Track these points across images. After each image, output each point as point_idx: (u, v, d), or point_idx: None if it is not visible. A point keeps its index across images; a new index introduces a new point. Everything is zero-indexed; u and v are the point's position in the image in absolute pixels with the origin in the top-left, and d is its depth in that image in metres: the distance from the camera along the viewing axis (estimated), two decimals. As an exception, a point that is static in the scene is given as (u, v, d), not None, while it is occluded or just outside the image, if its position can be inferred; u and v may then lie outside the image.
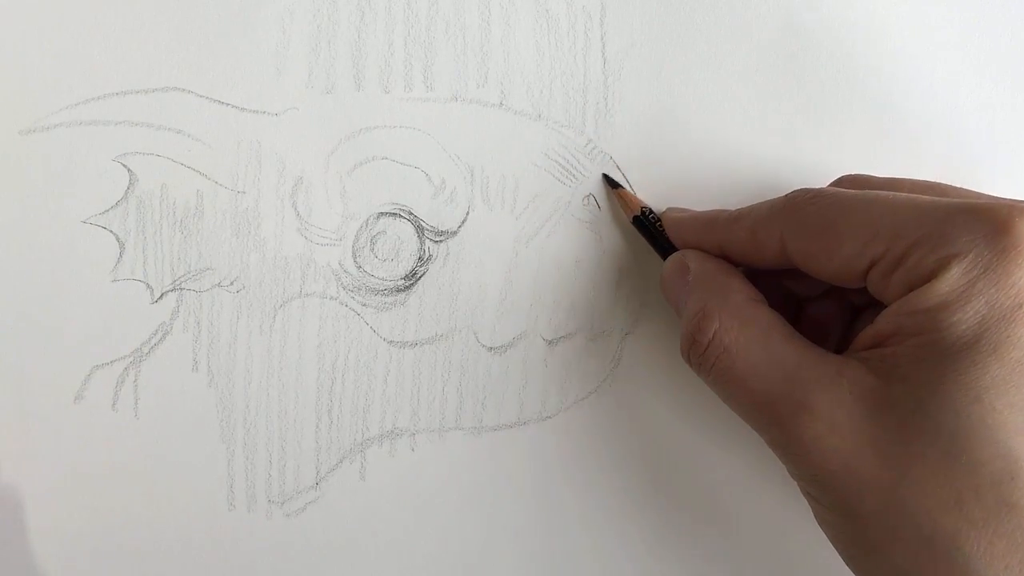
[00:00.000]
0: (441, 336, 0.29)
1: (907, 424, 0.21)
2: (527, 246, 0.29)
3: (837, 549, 0.23)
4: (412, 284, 0.29)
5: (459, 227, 0.29)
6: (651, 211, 0.29)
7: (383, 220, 0.29)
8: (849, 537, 0.23)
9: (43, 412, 0.28)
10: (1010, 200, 0.22)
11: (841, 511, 0.22)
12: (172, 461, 0.28)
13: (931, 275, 0.21)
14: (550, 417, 0.30)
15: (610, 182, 0.29)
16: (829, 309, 0.28)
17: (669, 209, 0.29)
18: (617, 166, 0.30)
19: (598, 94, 0.29)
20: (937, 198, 0.23)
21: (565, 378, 0.30)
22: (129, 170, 0.28)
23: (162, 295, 0.28)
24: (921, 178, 0.27)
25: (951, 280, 0.21)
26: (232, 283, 0.28)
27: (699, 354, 0.25)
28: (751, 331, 0.24)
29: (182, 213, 0.28)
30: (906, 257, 0.22)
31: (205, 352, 0.28)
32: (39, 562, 0.28)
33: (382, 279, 0.29)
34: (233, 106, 0.28)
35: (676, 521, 0.30)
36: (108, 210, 0.28)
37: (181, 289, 0.28)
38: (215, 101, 0.28)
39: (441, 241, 0.29)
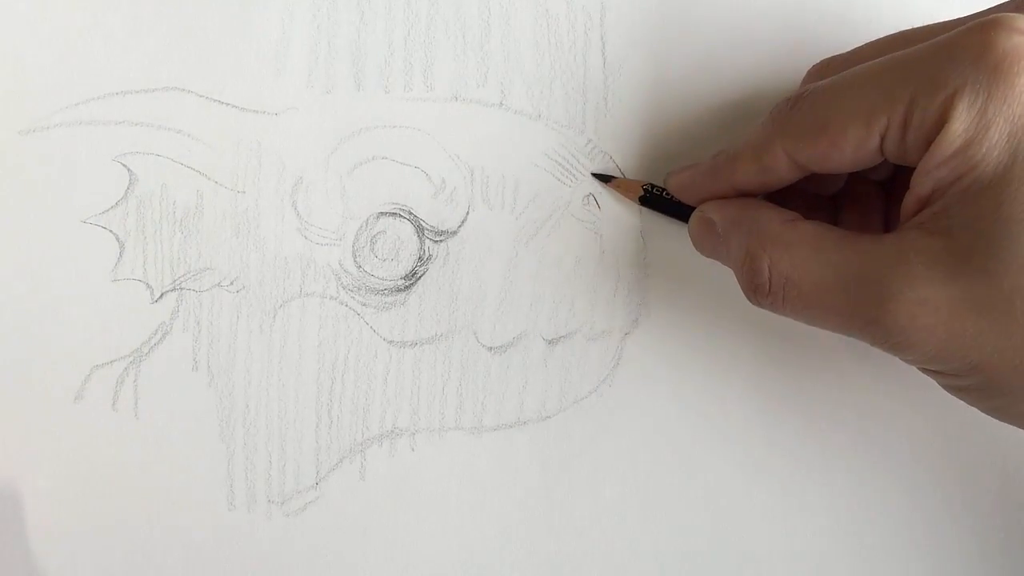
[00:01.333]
0: (441, 336, 0.29)
1: (987, 266, 0.21)
2: (527, 246, 0.29)
3: (981, 408, 0.23)
4: (412, 284, 0.29)
5: (459, 227, 0.29)
6: (652, 185, 0.29)
7: (383, 220, 0.29)
8: (985, 393, 0.23)
9: (43, 412, 0.28)
10: (977, 19, 0.22)
11: (965, 373, 0.22)
12: (172, 461, 0.28)
13: (941, 121, 0.21)
14: (550, 417, 0.30)
15: (601, 178, 0.29)
16: (862, 195, 0.28)
17: (669, 174, 0.29)
18: (617, 166, 0.30)
19: (598, 94, 0.29)
20: (910, 49, 0.23)
21: (565, 378, 0.30)
22: (129, 170, 0.28)
23: (162, 295, 0.28)
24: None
25: (961, 118, 0.21)
26: (232, 283, 0.28)
27: (765, 295, 0.25)
28: (802, 250, 0.24)
29: (182, 213, 0.28)
30: (909, 116, 0.22)
31: (205, 352, 0.28)
32: (39, 562, 0.28)
33: (382, 279, 0.29)
34: (233, 106, 0.28)
35: (676, 521, 0.30)
36: (108, 210, 0.28)
37: (181, 289, 0.28)
38: (215, 101, 0.28)
39: (441, 241, 0.29)
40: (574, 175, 0.29)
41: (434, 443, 0.29)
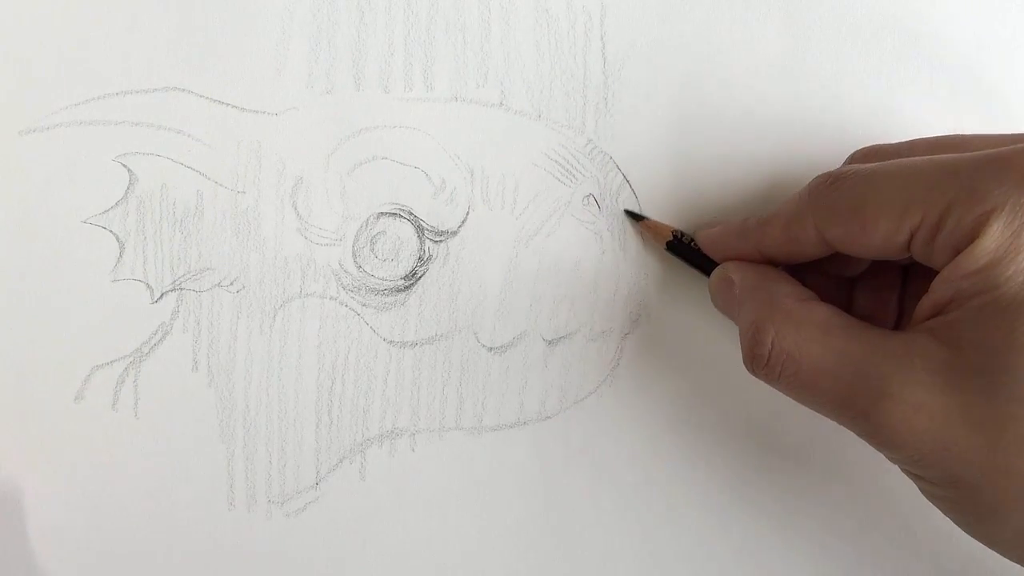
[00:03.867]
0: (441, 336, 0.29)
1: (990, 387, 0.21)
2: (527, 246, 0.29)
3: (954, 520, 0.23)
4: (412, 284, 0.29)
5: (459, 227, 0.29)
6: (682, 233, 0.29)
7: (383, 220, 0.29)
8: (961, 507, 0.23)
9: (43, 412, 0.28)
10: None
11: (946, 485, 0.22)
12: (172, 461, 0.28)
13: (973, 234, 0.21)
14: (550, 417, 0.30)
15: (633, 216, 0.29)
16: (880, 280, 0.28)
17: (700, 230, 0.29)
18: (617, 166, 0.30)
19: (598, 94, 0.29)
20: (960, 155, 0.22)
21: (565, 378, 0.30)
22: (129, 170, 0.28)
23: (162, 295, 0.28)
24: (931, 134, 0.27)
25: (995, 236, 0.21)
26: (232, 283, 0.28)
27: (763, 366, 0.25)
28: (809, 331, 0.24)
29: (182, 213, 0.28)
30: (944, 221, 0.22)
31: (205, 352, 0.28)
32: (39, 562, 0.28)
33: (382, 279, 0.29)
34: (233, 106, 0.28)
35: (676, 521, 0.30)
36: (108, 210, 0.28)
37: (181, 289, 0.28)
38: (215, 101, 0.28)
39: (441, 241, 0.29)
40: (574, 175, 0.29)
41: (434, 443, 0.29)
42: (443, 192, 0.29)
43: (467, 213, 0.29)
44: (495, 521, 0.30)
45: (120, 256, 0.28)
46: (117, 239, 0.28)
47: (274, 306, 0.28)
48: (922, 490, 0.24)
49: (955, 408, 0.21)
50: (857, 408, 0.23)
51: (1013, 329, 0.21)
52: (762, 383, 0.30)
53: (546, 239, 0.29)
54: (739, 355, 0.30)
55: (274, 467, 0.29)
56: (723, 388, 0.30)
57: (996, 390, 0.21)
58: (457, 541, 0.30)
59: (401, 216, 0.29)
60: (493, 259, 0.29)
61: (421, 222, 0.29)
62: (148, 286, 0.28)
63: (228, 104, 0.28)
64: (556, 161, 0.29)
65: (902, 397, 0.22)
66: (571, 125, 0.29)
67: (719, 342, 0.30)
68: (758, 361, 0.25)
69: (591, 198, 0.29)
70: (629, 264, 0.30)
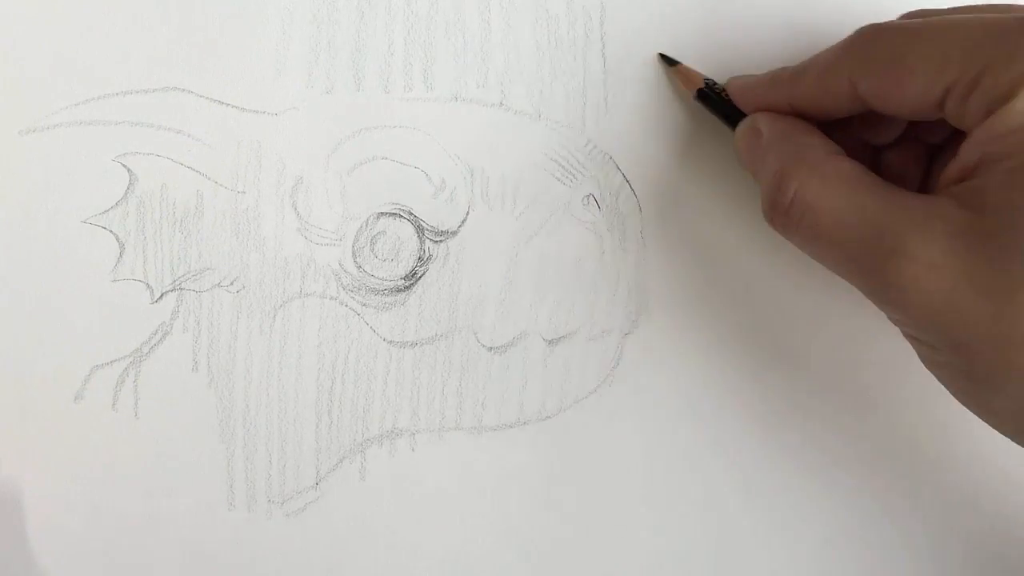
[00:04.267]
0: (441, 336, 0.29)
1: (1006, 252, 0.21)
2: (527, 246, 0.29)
3: (949, 388, 0.23)
4: (412, 284, 0.29)
5: (459, 227, 0.29)
6: (714, 82, 0.28)
7: (383, 220, 0.29)
8: (960, 372, 0.22)
9: (43, 412, 0.28)
10: None
11: (949, 348, 0.22)
12: (172, 461, 0.28)
13: (1009, 94, 0.21)
14: (550, 417, 0.30)
15: (667, 60, 0.29)
16: (908, 153, 0.28)
17: (732, 77, 0.28)
18: (617, 166, 0.30)
19: (598, 94, 0.29)
20: (1004, 16, 0.22)
21: (565, 378, 0.30)
22: (129, 170, 0.28)
23: (162, 295, 0.28)
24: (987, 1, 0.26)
25: None
26: (232, 283, 0.28)
27: (782, 214, 0.24)
28: (833, 184, 0.24)
29: (182, 213, 0.28)
30: (981, 79, 0.21)
31: (205, 352, 0.28)
32: (39, 562, 0.28)
33: (382, 279, 0.29)
34: (233, 106, 0.28)
35: (676, 521, 0.30)
36: (108, 210, 0.28)
37: (181, 289, 0.28)
38: (215, 101, 0.28)
39: (441, 241, 0.29)
40: (574, 175, 0.29)
41: (434, 443, 0.29)
42: (443, 192, 0.29)
43: (467, 213, 0.29)
44: (495, 521, 0.30)
45: (120, 256, 0.28)
46: (117, 239, 0.28)
47: (274, 306, 0.28)
48: (921, 356, 0.23)
49: (968, 271, 0.21)
50: (870, 263, 0.22)
51: None
52: (761, 383, 0.30)
53: (546, 239, 0.29)
54: (739, 355, 0.30)
55: (274, 467, 0.29)
56: (723, 388, 0.30)
57: (1012, 255, 0.20)
58: (457, 541, 0.30)
59: (401, 216, 0.29)
60: (493, 259, 0.29)
61: (421, 222, 0.29)
62: (148, 286, 0.28)
63: (228, 104, 0.28)
64: (556, 161, 0.29)
65: (917, 256, 0.21)
66: (571, 125, 0.29)
67: (719, 342, 0.30)
68: (778, 209, 0.24)
69: (591, 198, 0.29)
70: (629, 264, 0.30)
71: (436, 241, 0.29)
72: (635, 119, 0.30)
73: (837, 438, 0.30)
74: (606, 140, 0.29)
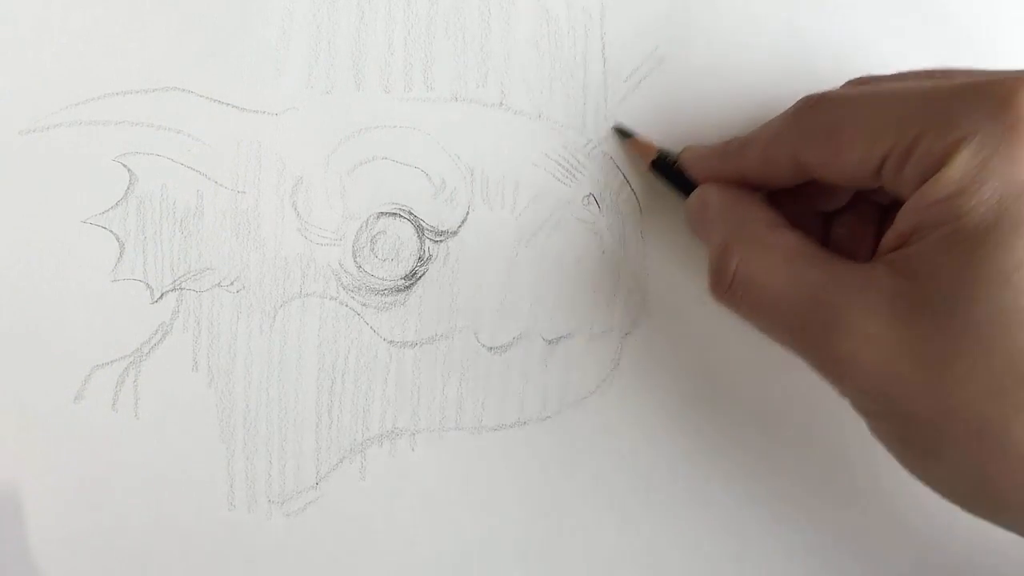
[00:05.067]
0: (441, 336, 0.29)
1: (940, 321, 0.21)
2: (527, 246, 0.29)
3: (898, 459, 0.23)
4: (412, 284, 0.29)
5: (459, 227, 0.29)
6: (668, 153, 0.28)
7: (383, 220, 0.29)
8: (904, 444, 0.22)
9: (43, 412, 0.28)
10: (1014, 72, 0.21)
11: (893, 420, 0.22)
12: (172, 461, 0.28)
13: (941, 162, 0.21)
14: (550, 417, 0.30)
15: (621, 133, 0.29)
16: (858, 218, 0.28)
17: (686, 148, 0.28)
18: (617, 166, 0.30)
19: (598, 94, 0.29)
20: (940, 82, 0.22)
21: (565, 378, 0.30)
22: (129, 170, 0.28)
23: (162, 295, 0.28)
24: (929, 66, 0.26)
25: (962, 164, 0.20)
26: (232, 283, 0.28)
27: (725, 289, 0.24)
28: (773, 257, 0.24)
29: (182, 213, 0.28)
30: (914, 147, 0.21)
31: (205, 352, 0.28)
32: (39, 562, 0.28)
33: (382, 279, 0.29)
34: (233, 106, 0.28)
35: (677, 521, 0.30)
36: (108, 210, 0.28)
37: (181, 289, 0.28)
38: (215, 101, 0.28)
39: (441, 241, 0.29)
40: (574, 175, 0.29)
41: (434, 443, 0.29)
42: (443, 192, 0.29)
43: (467, 213, 0.29)
44: (495, 521, 0.30)
45: (120, 256, 0.28)
46: (117, 239, 0.28)
47: (274, 306, 0.28)
48: (869, 427, 0.24)
49: (905, 341, 0.21)
50: (811, 337, 0.23)
51: (970, 261, 0.20)
52: (761, 384, 0.30)
53: (546, 239, 0.29)
54: (739, 354, 0.30)
55: (274, 467, 0.29)
56: (723, 387, 0.30)
57: (946, 324, 0.20)
58: (457, 541, 0.30)
59: (401, 216, 0.29)
60: (493, 259, 0.29)
61: (421, 222, 0.29)
62: (148, 286, 0.28)
63: (228, 104, 0.28)
64: (556, 161, 0.29)
65: (854, 328, 0.21)
66: (571, 125, 0.29)
67: (719, 342, 0.30)
68: (721, 284, 0.25)
69: (591, 198, 0.30)
70: (629, 264, 0.30)
71: (436, 241, 0.29)
72: (635, 119, 0.30)
73: (837, 437, 0.30)
74: (606, 140, 0.29)
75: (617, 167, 0.30)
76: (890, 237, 0.23)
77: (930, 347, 0.21)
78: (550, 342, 0.30)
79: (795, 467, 0.31)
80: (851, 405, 0.24)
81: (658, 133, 0.30)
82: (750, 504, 0.31)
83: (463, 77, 0.29)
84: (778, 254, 0.24)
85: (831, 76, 0.29)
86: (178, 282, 0.28)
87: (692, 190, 0.28)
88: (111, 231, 0.28)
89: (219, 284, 0.28)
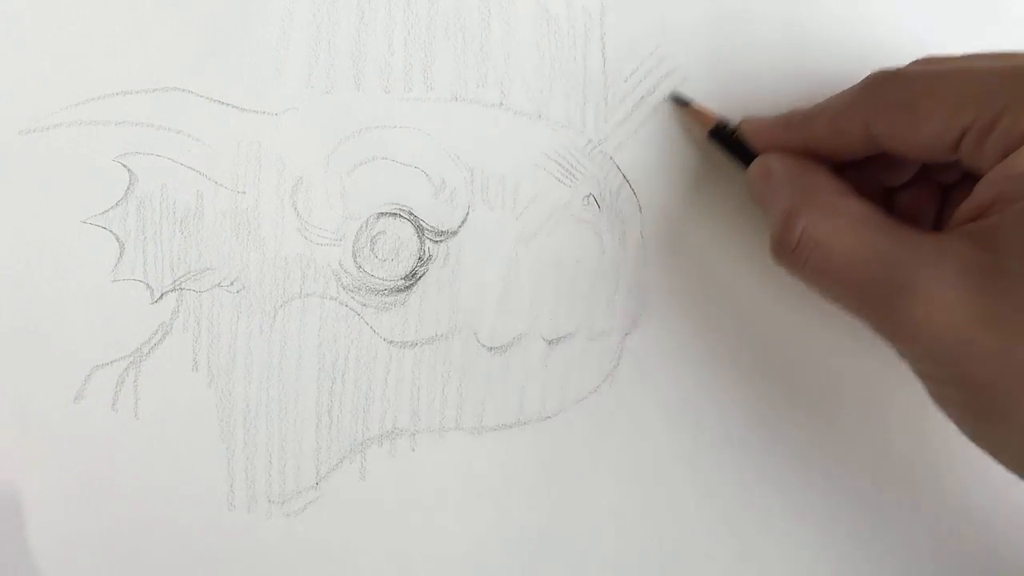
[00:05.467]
0: (441, 336, 0.29)
1: (1017, 289, 0.21)
2: (527, 246, 0.29)
3: (959, 426, 0.23)
4: (412, 284, 0.29)
5: (459, 227, 0.29)
6: (727, 123, 0.28)
7: (383, 220, 0.29)
8: (970, 410, 0.23)
9: (43, 412, 0.28)
10: None
11: (959, 385, 0.22)
12: (172, 461, 0.28)
13: None
14: (550, 417, 0.30)
15: (678, 100, 0.29)
16: (919, 194, 0.28)
17: (744, 119, 0.28)
18: (617, 166, 0.30)
19: (598, 94, 0.29)
20: (1016, 62, 0.22)
21: (565, 378, 0.30)
22: (129, 170, 0.28)
23: (162, 295, 0.28)
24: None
25: None
26: (232, 283, 0.28)
27: (789, 252, 0.24)
28: (842, 222, 0.24)
29: (182, 213, 0.28)
30: (998, 121, 0.22)
31: (205, 352, 0.28)
32: (39, 562, 0.28)
33: (382, 279, 0.29)
34: (233, 106, 0.28)
35: (677, 521, 0.30)
36: (108, 210, 0.28)
37: (181, 289, 0.28)
38: (215, 101, 0.28)
39: (441, 241, 0.29)
40: (574, 175, 0.29)
41: (434, 443, 0.29)
42: (443, 192, 0.29)
43: (467, 213, 0.29)
44: (495, 521, 0.30)
45: (120, 256, 0.28)
46: (117, 239, 0.28)
47: (274, 306, 0.28)
48: (931, 392, 0.24)
49: (979, 308, 0.21)
50: (880, 300, 0.23)
51: None
52: (762, 384, 0.30)
53: (546, 239, 0.29)
54: (740, 354, 0.30)
55: (274, 467, 0.29)
56: (724, 387, 0.30)
57: (1022, 292, 0.21)
58: (457, 541, 0.30)
59: (401, 216, 0.29)
60: (493, 259, 0.29)
61: (421, 222, 0.29)
62: (148, 286, 0.28)
63: (228, 104, 0.28)
64: (556, 161, 0.29)
65: (928, 292, 0.22)
66: (571, 125, 0.29)
67: (720, 342, 0.30)
68: (785, 247, 0.25)
69: (591, 198, 0.29)
70: (629, 264, 0.30)
71: (436, 241, 0.29)
72: (635, 119, 0.30)
73: (837, 438, 0.30)
74: (606, 140, 0.29)
75: (617, 167, 0.30)
76: (966, 207, 0.23)
77: (1005, 315, 0.21)
78: (550, 342, 0.30)
79: (795, 466, 0.31)
80: (913, 370, 0.24)
81: (657, 132, 0.30)
82: (751, 503, 0.31)
83: (463, 77, 0.29)
84: (847, 219, 0.24)
85: (835, 69, 0.29)
86: (178, 282, 0.28)
87: (751, 160, 0.27)
88: (111, 231, 0.28)
89: (219, 284, 0.28)
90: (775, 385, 0.30)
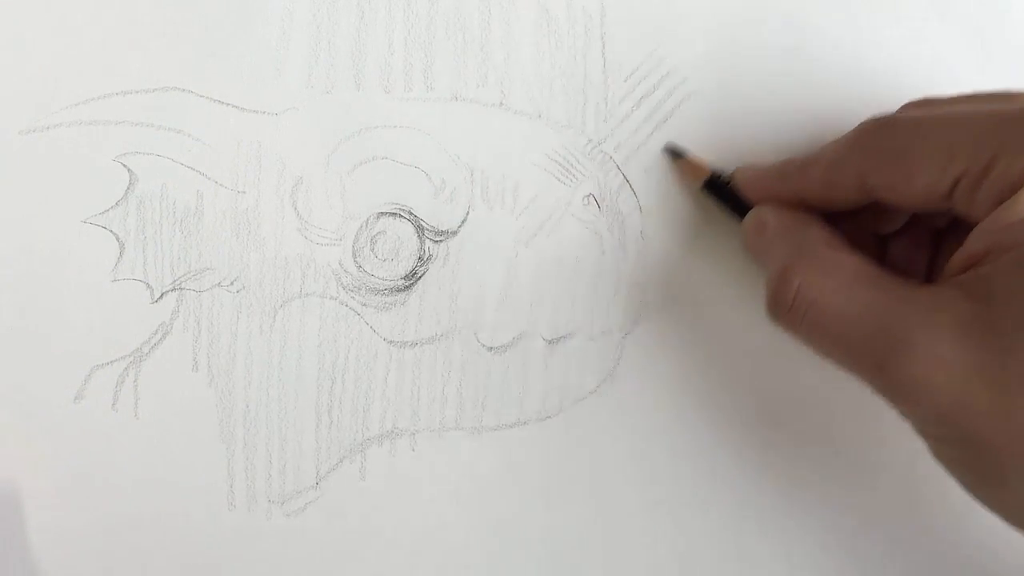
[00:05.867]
0: (441, 336, 0.29)
1: (1014, 343, 0.20)
2: (527, 246, 0.29)
3: (962, 484, 0.23)
4: (412, 284, 0.29)
5: (459, 227, 0.29)
6: (720, 173, 0.28)
7: (383, 220, 0.29)
8: (972, 470, 0.22)
9: (43, 412, 0.28)
10: None
11: (960, 446, 0.22)
12: (172, 461, 0.28)
13: (1019, 184, 0.21)
14: (550, 417, 0.30)
15: (672, 153, 0.29)
16: (911, 242, 0.28)
17: (738, 169, 0.28)
18: (617, 166, 0.30)
19: (598, 94, 0.29)
20: (1011, 105, 0.22)
21: (565, 378, 0.30)
22: (129, 170, 0.28)
23: (162, 295, 0.28)
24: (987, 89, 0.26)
25: None
26: (232, 283, 0.28)
27: (786, 311, 0.24)
28: (836, 279, 0.24)
29: (182, 213, 0.28)
30: (990, 169, 0.21)
31: (205, 352, 0.28)
32: (39, 562, 0.28)
33: (382, 279, 0.29)
34: (233, 106, 0.28)
35: (677, 521, 0.30)
36: (108, 210, 0.28)
37: (181, 289, 0.28)
38: (215, 101, 0.28)
39: (441, 241, 0.29)
40: (574, 175, 0.29)
41: (434, 443, 0.29)
42: (443, 192, 0.29)
43: (467, 213, 0.29)
44: (495, 521, 0.30)
45: (120, 256, 0.28)
46: (117, 239, 0.28)
47: (274, 306, 0.28)
48: (932, 450, 0.23)
49: (977, 364, 0.21)
50: (877, 359, 0.22)
51: None
52: (761, 384, 0.30)
53: (546, 239, 0.29)
54: (739, 355, 0.30)
55: (274, 467, 0.29)
56: (723, 387, 0.30)
57: (1020, 347, 0.20)
58: (457, 541, 0.30)
59: (401, 216, 0.29)
60: (493, 259, 0.29)
61: (421, 222, 0.29)
62: (148, 286, 0.28)
63: (228, 104, 0.28)
64: (556, 161, 0.29)
65: (924, 350, 0.21)
66: (571, 125, 0.29)
67: (719, 342, 0.30)
68: (781, 306, 0.24)
69: (591, 198, 0.29)
70: (629, 264, 0.30)
71: (436, 241, 0.29)
72: (635, 118, 0.30)
73: (837, 437, 0.30)
74: (606, 140, 0.29)
75: (617, 167, 0.30)
76: (960, 258, 0.22)
77: (1003, 371, 0.20)
78: (550, 342, 0.30)
79: (796, 467, 0.31)
80: (914, 429, 0.23)
81: (657, 132, 0.30)
82: (750, 505, 0.31)
83: (463, 77, 0.29)
84: (841, 275, 0.24)
85: (843, 80, 0.29)
86: (178, 282, 0.28)
87: (746, 211, 0.28)
88: (111, 231, 0.28)
89: (219, 284, 0.28)
90: (775, 385, 0.30)
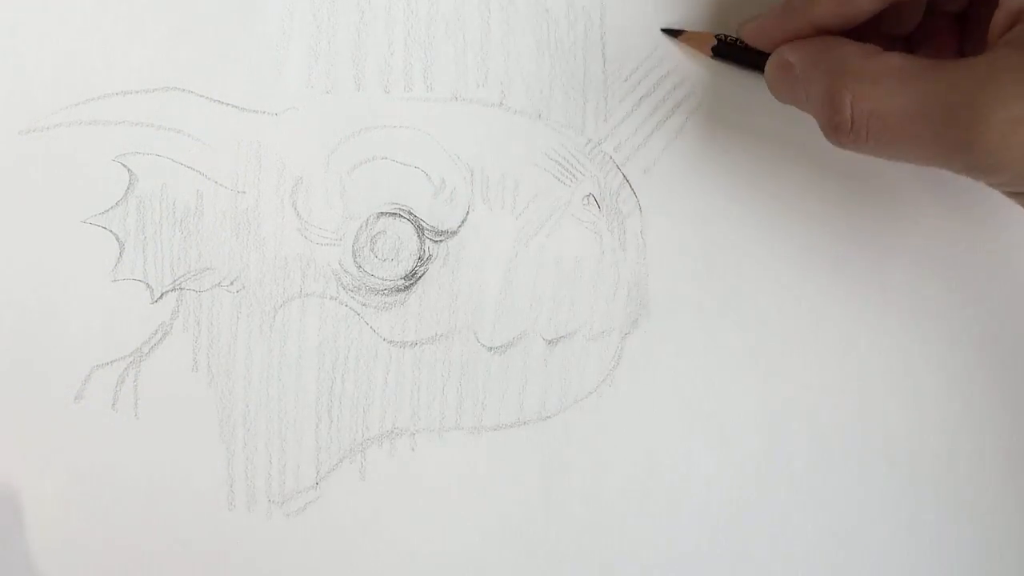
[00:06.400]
0: (441, 336, 0.29)
1: None
2: (527, 246, 0.29)
3: None
4: (412, 284, 0.29)
5: (459, 227, 0.29)
6: (726, 36, 0.28)
7: (383, 220, 0.29)
8: None
9: (43, 412, 0.28)
10: None
11: None
12: (172, 461, 0.28)
13: None
14: (550, 417, 0.30)
15: (670, 32, 0.29)
16: (937, 35, 0.27)
17: (743, 24, 0.28)
18: (617, 166, 0.30)
19: (598, 94, 0.29)
20: None
21: (565, 378, 0.30)
22: (129, 170, 0.28)
23: (162, 295, 0.28)
24: None
25: None
26: (232, 283, 0.28)
27: (847, 132, 0.23)
28: (887, 82, 0.23)
29: (182, 213, 0.28)
30: None
31: (205, 352, 0.28)
32: (39, 562, 0.28)
33: (382, 279, 0.29)
34: (233, 106, 0.28)
35: (676, 521, 0.30)
36: (108, 210, 0.28)
37: (181, 289, 0.28)
38: (215, 101, 0.28)
39: (441, 241, 0.29)
40: (574, 175, 0.29)
41: (434, 443, 0.29)
42: (443, 192, 0.29)
43: (467, 213, 0.29)
44: (495, 521, 0.30)
45: (120, 256, 0.28)
46: (117, 239, 0.28)
47: (274, 306, 0.28)
48: None
49: None
50: (954, 142, 0.22)
51: None
52: (761, 384, 0.30)
53: (546, 239, 0.29)
54: (738, 354, 0.30)
55: (274, 467, 0.29)
56: (723, 387, 0.30)
57: None
58: (457, 541, 0.30)
59: (401, 216, 0.29)
60: (493, 259, 0.29)
61: (421, 222, 0.29)
62: (148, 286, 0.28)
63: (228, 104, 0.28)
64: (556, 161, 0.29)
65: (996, 116, 0.21)
66: (571, 125, 0.29)
67: (719, 342, 0.30)
68: (841, 128, 0.24)
69: (591, 198, 0.29)
70: (629, 264, 0.30)
71: (436, 241, 0.29)
72: (635, 118, 0.30)
73: (837, 437, 0.30)
74: (606, 140, 0.29)
75: (617, 167, 0.30)
76: (1000, 18, 0.22)
77: None
78: (550, 342, 0.30)
79: (794, 467, 0.31)
80: (1006, 195, 0.23)
81: (658, 132, 0.30)
82: (751, 503, 0.31)
83: (463, 77, 0.29)
84: (890, 78, 0.23)
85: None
86: (178, 282, 0.28)
87: (763, 63, 0.27)
88: (111, 231, 0.28)
89: (219, 284, 0.28)
90: (775, 384, 0.30)
